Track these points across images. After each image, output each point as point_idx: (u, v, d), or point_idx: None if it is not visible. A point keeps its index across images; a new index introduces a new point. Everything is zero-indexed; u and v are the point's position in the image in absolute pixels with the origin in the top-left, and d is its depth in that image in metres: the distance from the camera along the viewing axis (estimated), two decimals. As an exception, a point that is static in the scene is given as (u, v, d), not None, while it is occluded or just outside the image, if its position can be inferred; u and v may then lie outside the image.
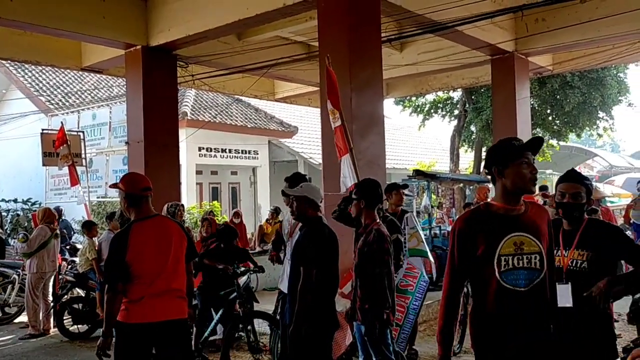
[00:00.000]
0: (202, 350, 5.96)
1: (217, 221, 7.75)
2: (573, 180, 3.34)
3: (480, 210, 2.78)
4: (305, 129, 20.83)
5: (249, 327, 5.68)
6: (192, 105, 16.93)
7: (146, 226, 3.71)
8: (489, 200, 2.89)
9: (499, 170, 2.70)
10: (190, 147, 16.15)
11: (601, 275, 3.13)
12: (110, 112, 14.88)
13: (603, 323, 3.20)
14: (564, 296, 3.20)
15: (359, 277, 4.33)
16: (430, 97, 17.83)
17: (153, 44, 9.01)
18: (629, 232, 10.23)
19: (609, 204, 12.17)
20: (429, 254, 6.12)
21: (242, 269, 6.09)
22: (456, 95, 17.56)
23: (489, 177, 2.80)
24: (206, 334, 6.00)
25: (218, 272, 6.10)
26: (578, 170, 3.57)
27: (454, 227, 2.80)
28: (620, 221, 11.37)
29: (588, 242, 3.23)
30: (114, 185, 3.97)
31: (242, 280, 6.02)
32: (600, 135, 17.27)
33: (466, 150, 19.36)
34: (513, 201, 2.70)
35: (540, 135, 16.36)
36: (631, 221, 10.78)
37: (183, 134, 12.74)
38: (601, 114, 15.87)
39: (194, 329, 5.99)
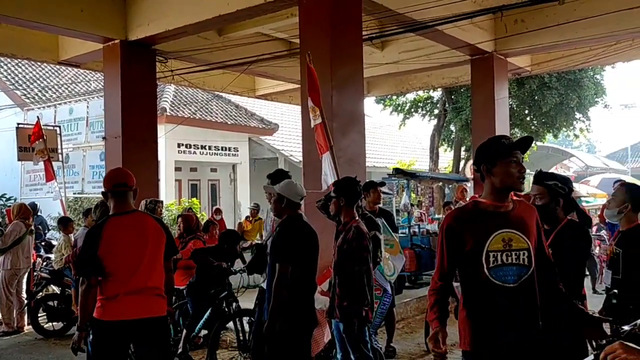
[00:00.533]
0: (188, 351, 5.92)
1: (197, 218, 7.67)
2: (535, 181, 3.46)
3: (468, 208, 2.82)
4: (286, 127, 20.78)
5: (238, 326, 5.65)
6: (171, 101, 16.78)
7: (122, 221, 3.67)
8: (477, 197, 2.91)
9: (488, 168, 2.73)
10: (169, 144, 15.99)
11: (564, 278, 3.20)
12: (88, 106, 14.63)
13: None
14: None
15: (338, 274, 4.33)
16: (410, 96, 17.92)
17: (132, 39, 8.90)
18: (604, 232, 10.40)
19: (584, 204, 12.35)
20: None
21: (237, 268, 6.07)
22: (436, 94, 17.68)
23: (478, 174, 2.82)
24: (193, 334, 5.97)
25: (211, 271, 6.05)
26: (548, 172, 3.64)
27: (443, 224, 2.83)
28: (596, 221, 11.55)
29: (561, 243, 3.29)
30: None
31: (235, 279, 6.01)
32: (576, 136, 17.53)
33: (445, 150, 19.50)
34: (501, 198, 2.73)
35: (518, 135, 16.56)
36: (606, 221, 10.96)
37: (162, 129, 12.60)
38: (578, 115, 16.10)
39: (184, 331, 5.94)
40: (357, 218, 4.38)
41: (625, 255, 3.73)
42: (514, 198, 2.83)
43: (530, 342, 2.67)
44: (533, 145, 17.68)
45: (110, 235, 3.59)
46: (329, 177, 5.77)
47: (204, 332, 6.26)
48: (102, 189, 3.79)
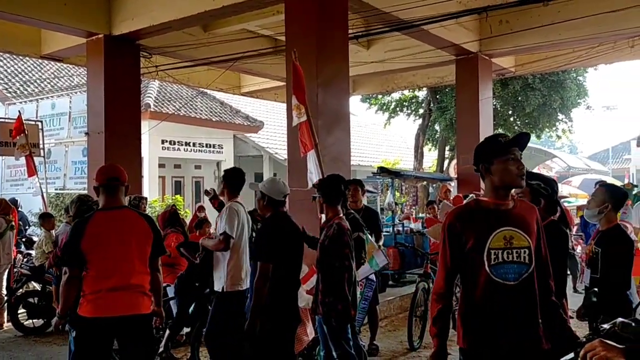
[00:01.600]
0: (169, 349, 5.88)
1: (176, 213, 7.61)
2: None
3: (470, 206, 2.84)
4: (271, 124, 20.73)
5: None
6: (155, 97, 16.65)
7: (109, 217, 3.65)
8: (479, 195, 2.92)
9: (486, 167, 2.74)
10: (152, 140, 15.87)
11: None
12: (70, 101, 14.48)
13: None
14: None
15: (320, 270, 4.34)
16: (395, 95, 17.99)
17: (116, 33, 8.82)
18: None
19: (566, 204, 12.49)
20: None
21: None
22: (421, 94, 17.77)
23: (478, 173, 2.83)
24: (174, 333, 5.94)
25: (196, 266, 5.99)
26: (532, 172, 3.68)
27: (445, 223, 2.84)
28: (576, 221, 11.68)
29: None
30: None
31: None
32: (559, 137, 17.74)
33: (430, 149, 19.60)
34: (502, 196, 2.74)
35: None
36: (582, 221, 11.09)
37: (146, 126, 12.50)
38: (560, 116, 16.29)
39: (167, 330, 5.90)
40: (340, 215, 4.39)
41: (604, 254, 3.79)
42: (515, 197, 2.85)
43: (530, 341, 2.68)
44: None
45: (95, 229, 3.57)
46: (314, 175, 5.76)
47: (186, 330, 6.23)
48: (95, 184, 3.77)
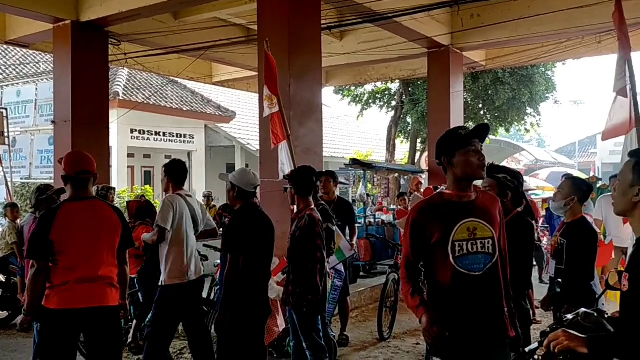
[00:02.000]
0: (138, 340, 5.81)
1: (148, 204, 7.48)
2: (486, 174, 3.57)
3: (433, 200, 2.87)
4: (244, 114, 20.58)
5: None
6: (124, 85, 16.37)
7: (77, 208, 3.58)
8: (432, 188, 2.99)
9: (448, 159, 2.78)
10: (121, 129, 15.63)
11: (513, 267, 3.31)
12: (37, 89, 14.16)
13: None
14: None
15: (291, 262, 4.34)
16: (368, 87, 18.02)
17: (83, 19, 8.63)
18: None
19: (533, 197, 12.71)
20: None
21: None
22: (394, 86, 17.84)
23: (441, 167, 2.86)
24: (144, 324, 5.85)
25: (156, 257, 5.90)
26: (498, 165, 3.75)
27: (409, 217, 2.86)
28: (543, 213, 11.92)
29: (509, 234, 3.39)
30: (60, 160, 3.79)
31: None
32: (527, 131, 18.02)
33: (402, 141, 19.72)
34: (464, 188, 2.78)
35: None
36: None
37: (114, 114, 12.30)
38: (529, 110, 16.55)
39: (134, 320, 5.82)
40: (312, 206, 4.39)
41: (569, 246, 3.88)
42: (478, 188, 2.89)
43: (496, 329, 2.73)
44: (486, 139, 18.43)
45: (64, 220, 3.50)
46: (285, 166, 5.75)
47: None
48: (63, 172, 3.66)
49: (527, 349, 2.09)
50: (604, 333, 2.08)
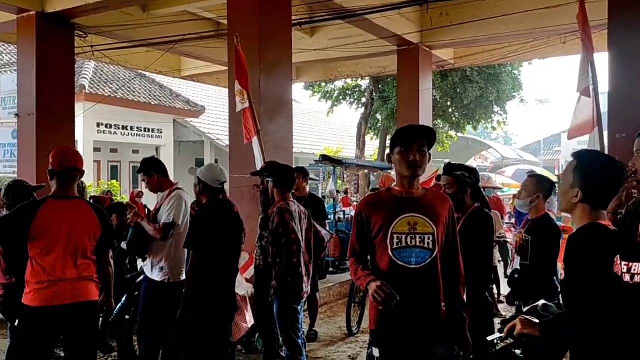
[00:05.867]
0: (106, 339, 5.73)
1: (115, 201, 7.38)
2: (444, 172, 3.73)
3: (381, 194, 2.96)
4: (213, 109, 20.40)
5: None
6: (90, 78, 16.05)
7: (61, 206, 3.53)
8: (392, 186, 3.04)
9: (390, 158, 2.92)
10: (87, 123, 15.33)
11: (474, 260, 3.41)
12: (-1, 81, 13.78)
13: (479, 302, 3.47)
14: None
15: (271, 257, 4.39)
16: (339, 83, 18.07)
17: (49, 11, 8.42)
18: (514, 220, 10.95)
19: (499, 194, 12.92)
20: None
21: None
22: (364, 83, 17.92)
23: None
24: (110, 320, 5.75)
25: (120, 254, 5.81)
26: (456, 163, 3.85)
27: (357, 208, 2.97)
28: (509, 209, 12.14)
29: (467, 229, 3.49)
30: (48, 154, 3.69)
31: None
32: (494, 128, 18.35)
33: (372, 138, 19.85)
34: (407, 184, 2.87)
35: (440, 126, 17.11)
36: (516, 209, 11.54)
37: (80, 108, 12.05)
38: (496, 109, 16.85)
39: (101, 318, 5.72)
40: (289, 199, 4.47)
41: (533, 242, 3.98)
42: (428, 187, 2.99)
43: (431, 322, 2.80)
44: (454, 136, 18.59)
45: (47, 217, 3.45)
46: (258, 161, 5.75)
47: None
48: (49, 166, 3.58)
49: (488, 338, 2.18)
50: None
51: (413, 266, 2.77)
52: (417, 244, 2.79)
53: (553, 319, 2.09)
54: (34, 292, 3.42)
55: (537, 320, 2.03)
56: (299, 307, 4.53)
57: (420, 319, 2.78)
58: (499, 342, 2.14)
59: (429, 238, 2.79)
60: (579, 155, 2.20)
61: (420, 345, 2.78)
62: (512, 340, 2.08)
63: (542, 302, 2.19)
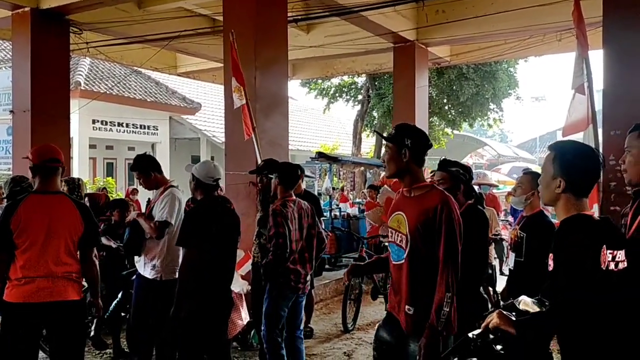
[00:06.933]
0: (100, 334, 5.72)
1: (110, 198, 7.36)
2: (439, 168, 3.76)
3: (399, 192, 3.14)
4: (209, 106, 20.37)
5: None
6: (86, 75, 16.01)
7: (42, 201, 3.51)
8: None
9: None
10: (83, 120, 15.31)
11: (468, 257, 3.42)
12: (-6, 77, 13.71)
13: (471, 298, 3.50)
14: None
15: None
16: (335, 81, 18.07)
17: (44, 7, 8.40)
18: (510, 217, 10.99)
19: (495, 191, 12.95)
20: None
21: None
22: (360, 80, 17.92)
23: None
24: (105, 317, 5.75)
25: (117, 251, 5.80)
26: (450, 159, 3.86)
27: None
28: (505, 207, 12.18)
29: (464, 225, 3.49)
30: (26, 157, 3.69)
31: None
32: (490, 126, 18.38)
33: (368, 135, 19.86)
34: (403, 184, 2.99)
35: (436, 123, 17.13)
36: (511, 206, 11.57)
37: (75, 104, 12.00)
38: (492, 106, 16.87)
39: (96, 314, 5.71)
40: (291, 197, 4.47)
41: (528, 239, 3.99)
42: (431, 190, 2.93)
43: (397, 321, 2.91)
44: (450, 133, 18.60)
45: (27, 212, 3.42)
46: (258, 158, 5.77)
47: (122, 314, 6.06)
48: (30, 164, 3.57)
49: (470, 334, 2.18)
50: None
51: (394, 262, 2.95)
52: (397, 241, 2.92)
53: (531, 317, 2.08)
54: (11, 288, 3.40)
55: (513, 318, 2.04)
56: (287, 306, 4.49)
57: (391, 311, 2.98)
58: (475, 337, 2.13)
59: (404, 239, 2.88)
60: (555, 147, 2.23)
61: (395, 339, 2.93)
62: (492, 337, 2.08)
63: (522, 297, 2.19)
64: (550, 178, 2.19)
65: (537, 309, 2.11)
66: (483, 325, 2.09)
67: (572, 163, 2.15)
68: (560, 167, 2.16)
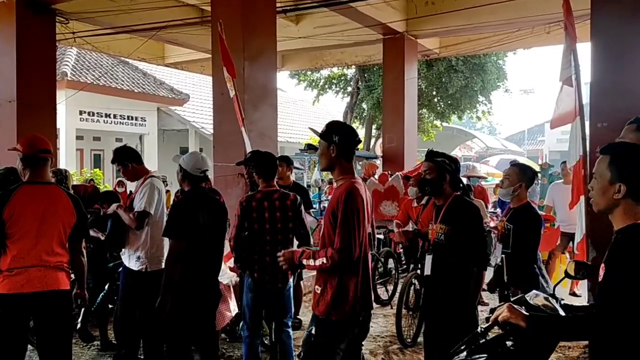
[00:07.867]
0: (87, 326, 5.69)
1: (95, 189, 7.29)
2: (426, 159, 3.77)
3: None
4: (197, 97, 20.24)
5: None
6: (72, 65, 15.83)
7: (34, 191, 3.49)
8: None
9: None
10: (70, 110, 15.15)
11: (457, 248, 3.42)
12: (-22, 67, 13.51)
13: (461, 293, 3.48)
14: (427, 266, 3.60)
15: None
16: (325, 72, 18.02)
17: (29, -5, 8.29)
18: (498, 210, 11.04)
19: (484, 183, 13.00)
20: None
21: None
22: (350, 72, 17.89)
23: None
24: (92, 309, 5.71)
25: (104, 243, 5.75)
26: (437, 151, 3.87)
27: None
28: (493, 199, 12.23)
29: (449, 217, 3.52)
30: (12, 149, 3.65)
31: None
32: (479, 118, 18.44)
33: (357, 127, 19.83)
34: (333, 176, 3.21)
35: (426, 115, 17.15)
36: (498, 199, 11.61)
37: (62, 95, 11.90)
38: (481, 98, 16.92)
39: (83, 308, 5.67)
40: (273, 187, 4.48)
41: (515, 230, 4.01)
42: (347, 177, 3.09)
43: (315, 295, 3.15)
44: (439, 125, 18.65)
45: (21, 202, 3.40)
46: (248, 149, 5.74)
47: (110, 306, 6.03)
48: (20, 155, 3.54)
49: (479, 329, 2.15)
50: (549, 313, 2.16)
51: None
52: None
53: (552, 316, 2.03)
54: (2, 279, 3.38)
55: (524, 312, 1.99)
56: (259, 298, 4.48)
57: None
58: (483, 330, 2.10)
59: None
60: (611, 150, 2.07)
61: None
62: (502, 331, 2.04)
63: (534, 292, 2.17)
64: (607, 183, 2.02)
65: (551, 305, 2.09)
66: (492, 318, 2.04)
67: (635, 167, 2.01)
68: (620, 171, 2.00)
